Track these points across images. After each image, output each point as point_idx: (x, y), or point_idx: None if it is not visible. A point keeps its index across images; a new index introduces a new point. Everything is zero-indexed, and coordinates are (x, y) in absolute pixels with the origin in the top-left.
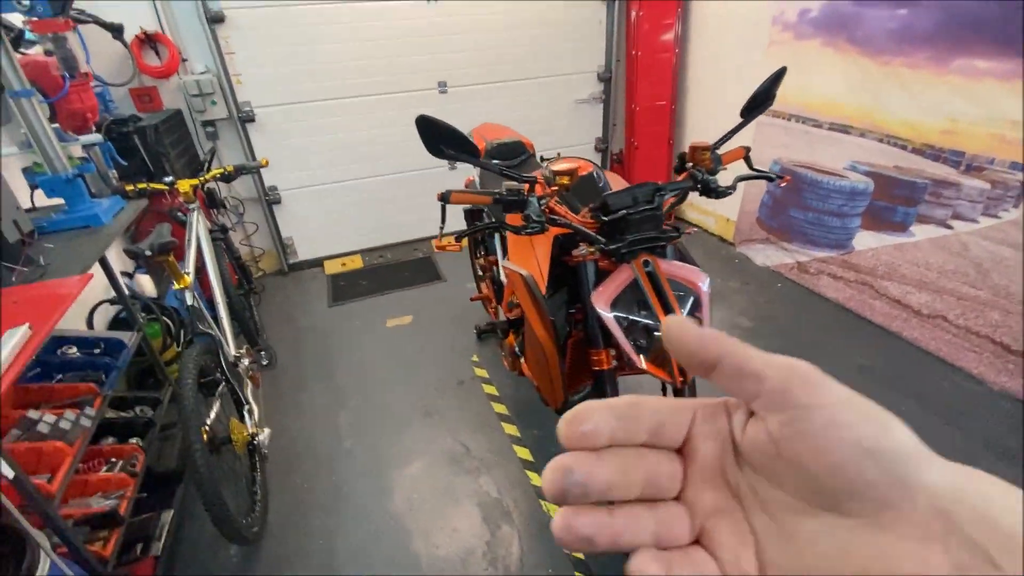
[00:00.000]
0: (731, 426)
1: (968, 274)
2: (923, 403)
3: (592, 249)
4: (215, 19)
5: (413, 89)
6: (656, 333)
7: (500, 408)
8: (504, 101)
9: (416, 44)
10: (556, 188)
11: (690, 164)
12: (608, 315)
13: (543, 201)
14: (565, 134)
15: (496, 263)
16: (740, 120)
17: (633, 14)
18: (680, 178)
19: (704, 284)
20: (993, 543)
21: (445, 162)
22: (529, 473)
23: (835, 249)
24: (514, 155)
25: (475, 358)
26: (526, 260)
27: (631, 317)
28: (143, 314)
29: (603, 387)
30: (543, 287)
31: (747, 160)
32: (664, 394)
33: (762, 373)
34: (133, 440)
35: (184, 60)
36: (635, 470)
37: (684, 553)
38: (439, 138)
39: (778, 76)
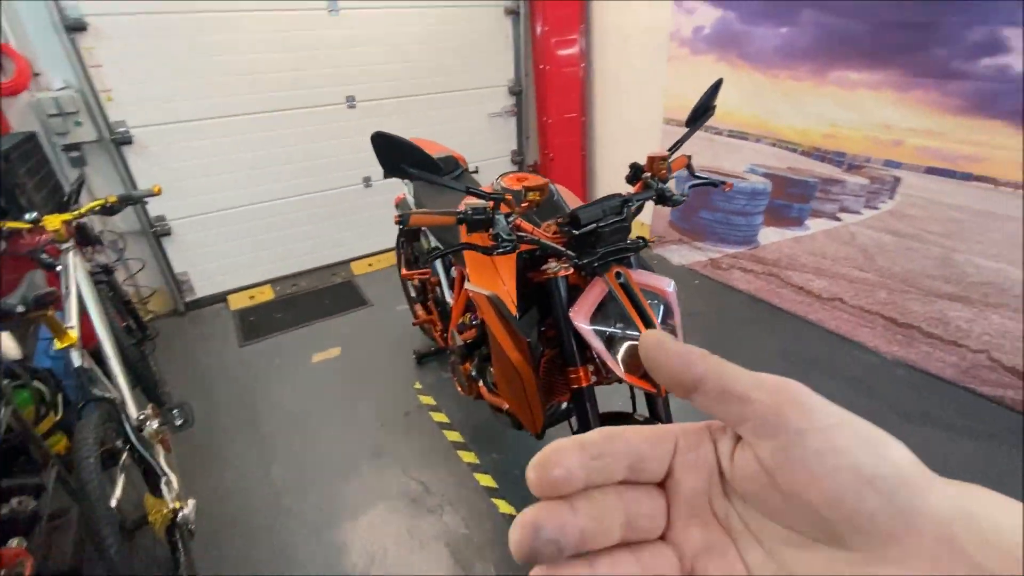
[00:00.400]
0: (717, 454)
1: (857, 259)
2: (836, 378)
3: (563, 265)
4: (74, 27)
5: (319, 104)
6: (634, 343)
7: (453, 436)
8: (416, 116)
9: (321, 57)
10: (526, 204)
11: (647, 174)
12: (588, 330)
13: (511, 219)
14: (482, 147)
15: (438, 284)
16: (686, 130)
17: (538, 29)
18: (636, 189)
19: (671, 290)
20: (1002, 567)
21: (359, 181)
22: (496, 501)
23: (743, 245)
24: (448, 171)
25: (418, 385)
26: (490, 281)
27: (611, 330)
28: (7, 381)
29: (583, 405)
30: (513, 308)
31: (689, 168)
32: (634, 405)
33: (749, 395)
34: (14, 542)
35: (37, 75)
36: (613, 514)
37: None
38: (399, 155)
39: (715, 88)
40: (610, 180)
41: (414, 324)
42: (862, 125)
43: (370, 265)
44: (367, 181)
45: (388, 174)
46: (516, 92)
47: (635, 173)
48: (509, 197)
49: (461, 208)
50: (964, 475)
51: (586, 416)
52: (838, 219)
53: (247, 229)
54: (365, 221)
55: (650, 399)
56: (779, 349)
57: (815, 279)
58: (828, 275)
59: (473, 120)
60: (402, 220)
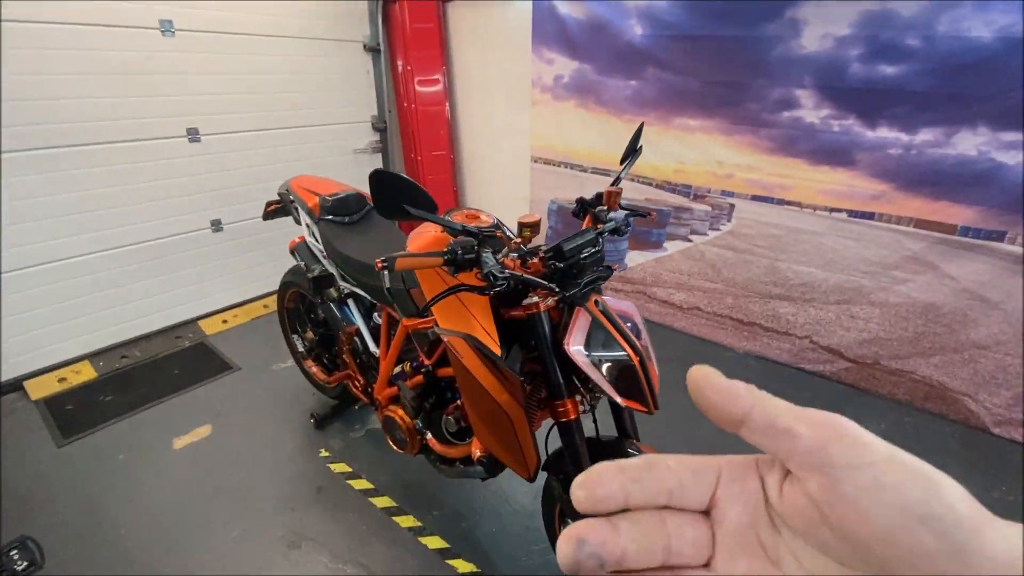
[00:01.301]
0: (765, 487)
1: (707, 273)
2: None
3: (544, 298)
4: None
5: (154, 137)
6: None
7: (383, 502)
8: (271, 151)
9: (155, 83)
10: (520, 241)
11: (601, 208)
12: (586, 362)
13: (499, 255)
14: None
15: (355, 333)
16: (621, 167)
17: (399, 67)
18: (585, 223)
19: (636, 313)
20: None
21: (207, 225)
22: (452, 562)
23: None
24: (356, 209)
25: (325, 452)
26: (460, 321)
27: (606, 356)
28: None
29: (572, 437)
30: (496, 347)
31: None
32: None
33: (795, 429)
34: None
35: None
36: (654, 537)
37: None
38: (398, 195)
39: (638, 131)
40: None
41: (331, 383)
42: (702, 162)
43: (225, 322)
44: (216, 225)
45: (387, 215)
46: (380, 128)
47: (583, 208)
48: (500, 234)
49: (417, 250)
50: None
51: (576, 448)
52: (690, 240)
53: (55, 291)
54: (216, 271)
55: (617, 417)
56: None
57: (676, 292)
58: (686, 288)
59: (336, 156)
60: (388, 263)
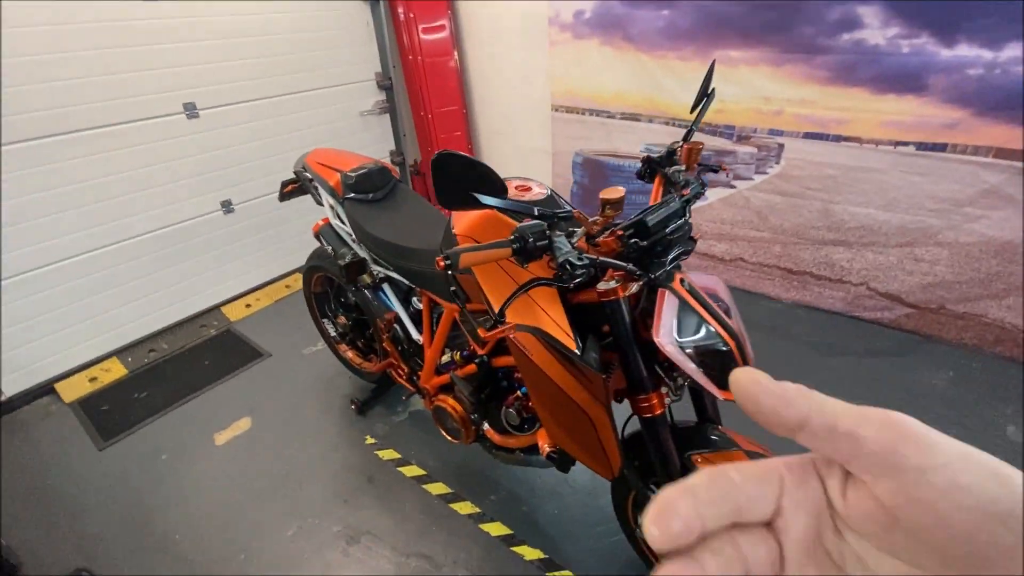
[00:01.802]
0: (826, 489)
1: (752, 221)
2: (751, 328)
3: (622, 282)
4: None
5: (150, 116)
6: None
7: (438, 488)
8: (273, 121)
9: (143, 56)
10: (602, 221)
11: (680, 167)
12: (681, 356)
13: (574, 239)
14: (357, 150)
15: (394, 320)
16: (693, 117)
17: (401, 15)
18: (656, 189)
19: (723, 287)
20: None
21: (217, 207)
22: (517, 550)
23: None
24: (382, 185)
25: (370, 440)
26: (528, 313)
27: (699, 343)
28: None
29: (657, 434)
30: (570, 342)
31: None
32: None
33: (857, 432)
34: None
35: None
36: (735, 564)
37: None
38: (466, 180)
39: (710, 71)
40: (504, 174)
41: (375, 371)
42: (746, 99)
43: (248, 306)
44: (227, 206)
45: (452, 206)
46: (386, 86)
47: (651, 168)
48: (579, 214)
49: (465, 233)
50: (875, 389)
51: (665, 446)
52: (733, 186)
53: (73, 289)
54: (233, 254)
55: (697, 400)
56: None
57: (717, 243)
58: (728, 238)
59: (343, 120)
60: (450, 264)
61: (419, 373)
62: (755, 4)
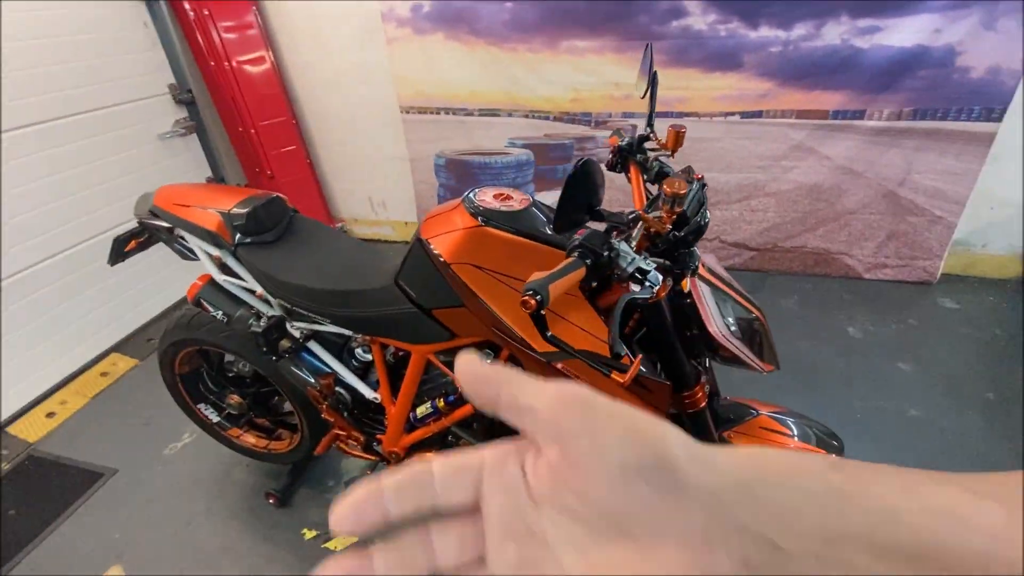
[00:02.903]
0: (524, 468)
1: (619, 198)
2: None
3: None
4: None
5: None
6: (752, 325)
7: None
8: (47, 156)
9: None
10: (665, 219)
11: (664, 151)
12: (737, 342)
13: (632, 242)
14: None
15: (336, 382)
16: (646, 103)
17: (191, 12)
18: (634, 173)
19: (713, 258)
20: (776, 528)
21: None
22: None
23: None
24: (280, 219)
25: (309, 532)
26: (561, 332)
27: (741, 322)
28: None
29: (706, 425)
30: (624, 357)
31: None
32: None
33: (534, 405)
34: None
35: None
36: (415, 551)
37: None
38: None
39: (645, 52)
40: (360, 187)
41: (265, 449)
42: (598, 86)
43: (52, 415)
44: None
45: (570, 227)
46: (186, 100)
47: (622, 157)
48: (648, 215)
49: (467, 260)
50: None
51: (712, 436)
52: None
53: None
54: (6, 351)
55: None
56: None
57: None
58: None
59: (137, 147)
60: (543, 300)
61: (378, 437)
62: None
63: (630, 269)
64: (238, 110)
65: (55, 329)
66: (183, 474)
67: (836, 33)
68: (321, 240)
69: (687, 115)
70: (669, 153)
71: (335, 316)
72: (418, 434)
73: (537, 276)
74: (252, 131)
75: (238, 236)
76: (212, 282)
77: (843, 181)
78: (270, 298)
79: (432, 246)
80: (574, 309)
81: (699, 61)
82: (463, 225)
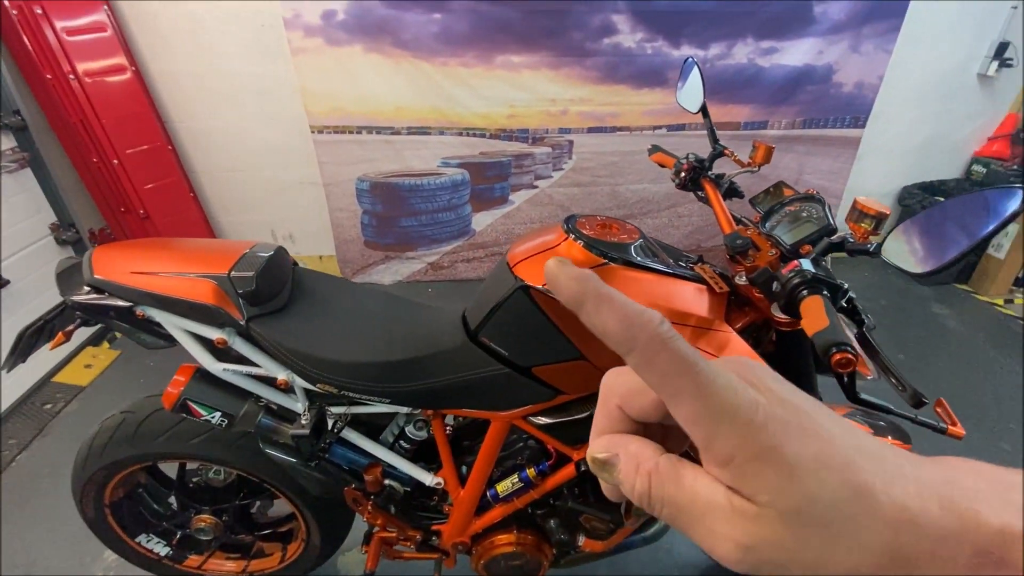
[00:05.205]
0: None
1: (558, 215)
2: None
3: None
4: None
5: None
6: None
7: None
8: None
9: None
10: (865, 234)
11: (752, 167)
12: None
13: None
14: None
15: (378, 472)
16: (700, 118)
17: (11, 9)
18: (712, 193)
19: None
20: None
21: None
22: None
23: (460, 238)
24: (286, 275)
25: None
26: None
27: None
28: None
29: None
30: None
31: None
32: None
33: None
34: None
35: None
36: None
37: None
38: None
39: (694, 68)
40: (251, 221)
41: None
42: (534, 102)
43: None
44: None
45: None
46: (16, 126)
47: (694, 175)
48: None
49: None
50: None
51: None
52: (535, 186)
53: None
54: None
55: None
56: None
57: None
58: None
59: None
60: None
61: (438, 529)
62: (529, 10)
63: (791, 279)
64: (91, 135)
65: None
66: None
67: (744, 53)
68: (341, 298)
69: (620, 129)
70: (755, 169)
71: (397, 393)
72: (493, 515)
73: (819, 326)
74: (115, 161)
75: (252, 306)
76: (201, 376)
77: (752, 183)
78: (296, 383)
79: (532, 299)
80: (729, 341)
81: (629, 77)
82: (587, 266)
